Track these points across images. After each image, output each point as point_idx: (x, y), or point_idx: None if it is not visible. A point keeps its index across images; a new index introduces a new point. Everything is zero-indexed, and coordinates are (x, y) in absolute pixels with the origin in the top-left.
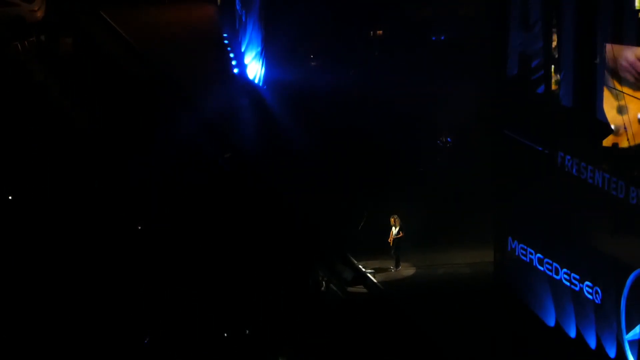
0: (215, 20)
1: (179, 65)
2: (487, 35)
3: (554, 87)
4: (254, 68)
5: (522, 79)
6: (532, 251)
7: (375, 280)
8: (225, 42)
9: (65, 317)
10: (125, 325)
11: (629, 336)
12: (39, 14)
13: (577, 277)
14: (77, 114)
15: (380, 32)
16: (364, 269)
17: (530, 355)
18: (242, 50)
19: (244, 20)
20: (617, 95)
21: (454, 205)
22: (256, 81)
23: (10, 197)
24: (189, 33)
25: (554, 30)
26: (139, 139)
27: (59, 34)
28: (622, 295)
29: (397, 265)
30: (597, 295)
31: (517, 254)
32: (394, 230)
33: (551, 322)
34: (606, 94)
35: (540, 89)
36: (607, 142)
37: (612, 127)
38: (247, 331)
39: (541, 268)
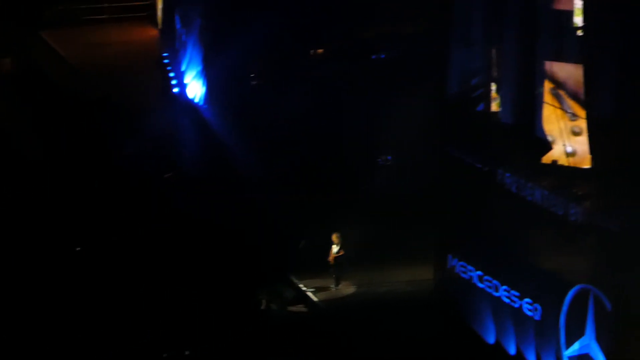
0: (156, 39)
1: (120, 85)
2: (429, 54)
3: (494, 105)
4: (195, 87)
5: (463, 97)
6: (472, 268)
7: (315, 299)
8: (166, 61)
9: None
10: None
11: (568, 352)
12: None
13: (517, 294)
14: (17, 135)
15: (321, 50)
16: (304, 288)
17: None
18: (183, 69)
19: (184, 39)
20: (556, 113)
21: (394, 224)
22: (197, 100)
23: None
24: (129, 53)
25: (495, 48)
26: (78, 160)
27: None
28: (562, 312)
29: (337, 284)
30: (536, 312)
31: (457, 271)
32: (335, 249)
33: (491, 340)
34: (546, 111)
35: (481, 106)
36: (547, 159)
37: (551, 144)
38: (187, 352)
39: (481, 285)
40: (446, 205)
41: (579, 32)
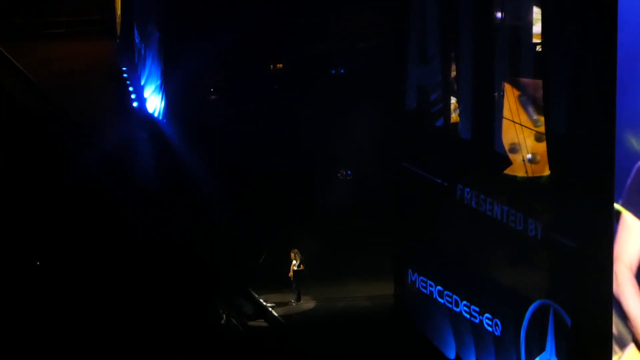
0: (114, 53)
1: (77, 99)
2: (387, 68)
3: (452, 120)
4: (154, 101)
5: (421, 112)
6: (432, 283)
7: (275, 314)
8: (125, 75)
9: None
10: None
11: None
12: None
13: (477, 309)
14: None
15: (280, 65)
16: (264, 303)
17: None
18: (142, 83)
19: (143, 53)
20: (515, 127)
21: (354, 238)
22: (156, 114)
23: None
24: (87, 66)
25: (452, 63)
26: (34, 175)
27: None
28: (522, 327)
29: (298, 299)
30: (497, 327)
31: (417, 286)
32: (295, 264)
33: (451, 355)
34: (504, 126)
35: (440, 122)
36: (506, 173)
37: (510, 159)
38: None
39: (441, 300)
40: (406, 220)
41: (538, 48)
